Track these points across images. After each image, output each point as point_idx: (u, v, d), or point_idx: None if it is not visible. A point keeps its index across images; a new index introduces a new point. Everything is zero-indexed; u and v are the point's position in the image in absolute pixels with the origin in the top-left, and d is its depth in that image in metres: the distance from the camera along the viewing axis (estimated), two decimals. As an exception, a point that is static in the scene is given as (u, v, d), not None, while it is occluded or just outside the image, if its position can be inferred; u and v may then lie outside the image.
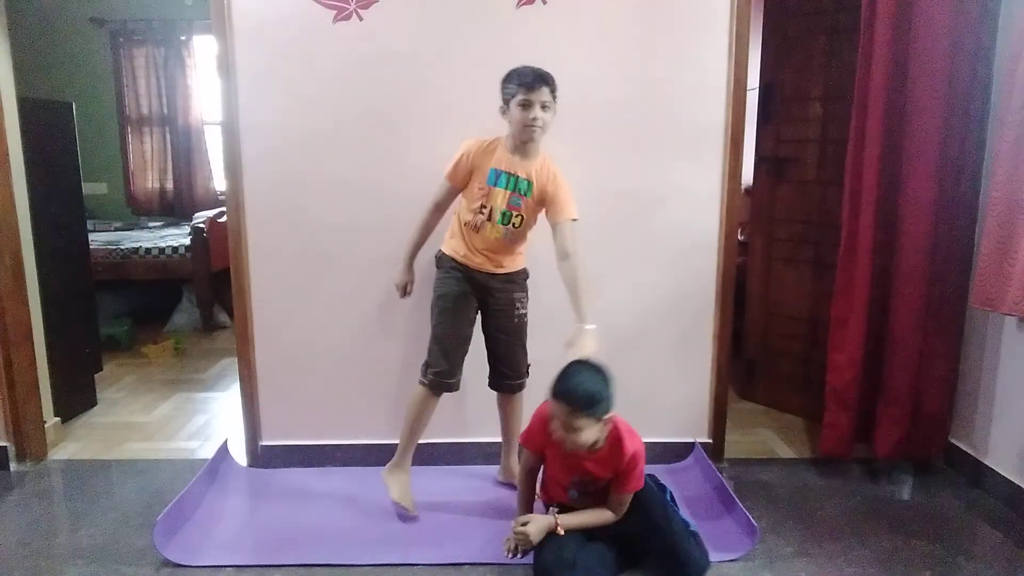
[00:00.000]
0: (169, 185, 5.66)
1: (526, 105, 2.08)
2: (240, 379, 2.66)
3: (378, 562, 2.07)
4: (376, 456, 2.68)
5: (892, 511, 2.36)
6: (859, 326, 2.49)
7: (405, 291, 2.40)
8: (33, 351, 2.74)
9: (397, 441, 2.56)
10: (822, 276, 2.95)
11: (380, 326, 2.62)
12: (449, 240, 2.31)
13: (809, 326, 3.08)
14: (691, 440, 2.70)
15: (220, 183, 5.54)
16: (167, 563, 2.05)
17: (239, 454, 2.72)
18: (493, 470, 2.64)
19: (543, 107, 2.10)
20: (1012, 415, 2.38)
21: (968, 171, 2.41)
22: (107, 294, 4.43)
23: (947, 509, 2.37)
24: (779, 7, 3.07)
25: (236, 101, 2.46)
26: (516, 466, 2.40)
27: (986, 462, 2.48)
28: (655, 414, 2.70)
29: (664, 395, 2.70)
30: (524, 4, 2.43)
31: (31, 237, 2.76)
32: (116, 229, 5.27)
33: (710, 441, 2.72)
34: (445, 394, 2.31)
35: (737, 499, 2.26)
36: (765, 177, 3.20)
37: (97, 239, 4.55)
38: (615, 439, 1.94)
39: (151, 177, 5.66)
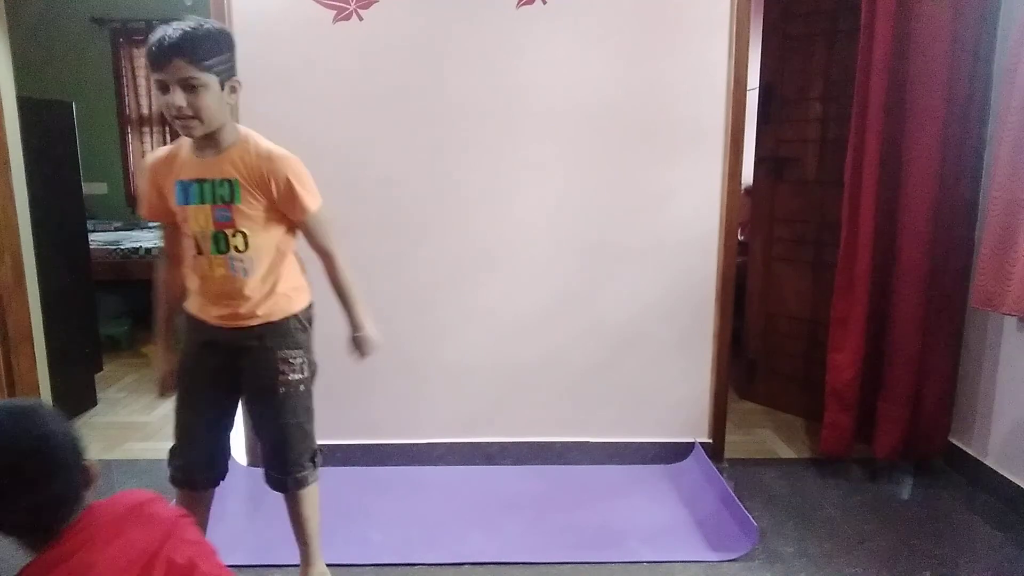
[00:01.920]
0: (169, 185, 5.66)
1: (161, 88, 1.47)
2: (240, 379, 2.66)
3: (378, 562, 2.08)
4: (375, 456, 2.68)
5: (892, 511, 2.36)
6: (859, 326, 2.48)
7: (165, 387, 1.77)
8: (33, 351, 2.74)
9: (395, 441, 2.58)
10: (822, 276, 2.94)
11: (379, 326, 2.62)
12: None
13: (809, 326, 3.08)
14: (691, 440, 2.70)
15: (220, 183, 5.52)
16: (167, 563, 2.05)
17: (239, 454, 2.72)
18: (493, 470, 2.64)
19: (189, 87, 1.45)
20: (1012, 415, 2.37)
21: (968, 171, 2.41)
22: (107, 294, 4.43)
23: (947, 509, 2.37)
24: (779, 7, 3.07)
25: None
26: None
27: (986, 462, 2.48)
28: (655, 414, 2.70)
29: (664, 395, 2.70)
30: (524, 4, 2.43)
31: (31, 237, 2.76)
32: (116, 229, 5.27)
33: (710, 441, 2.72)
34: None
35: (737, 499, 2.26)
36: (765, 177, 3.20)
37: (97, 239, 4.55)
38: None
39: (151, 177, 5.66)
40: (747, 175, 2.95)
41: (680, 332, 2.66)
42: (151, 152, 1.62)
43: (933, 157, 2.36)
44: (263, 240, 1.63)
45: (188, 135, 1.54)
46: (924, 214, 2.39)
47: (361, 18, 2.42)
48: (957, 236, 2.44)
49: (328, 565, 2.02)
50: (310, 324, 1.79)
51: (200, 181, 1.57)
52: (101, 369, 3.64)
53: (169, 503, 1.19)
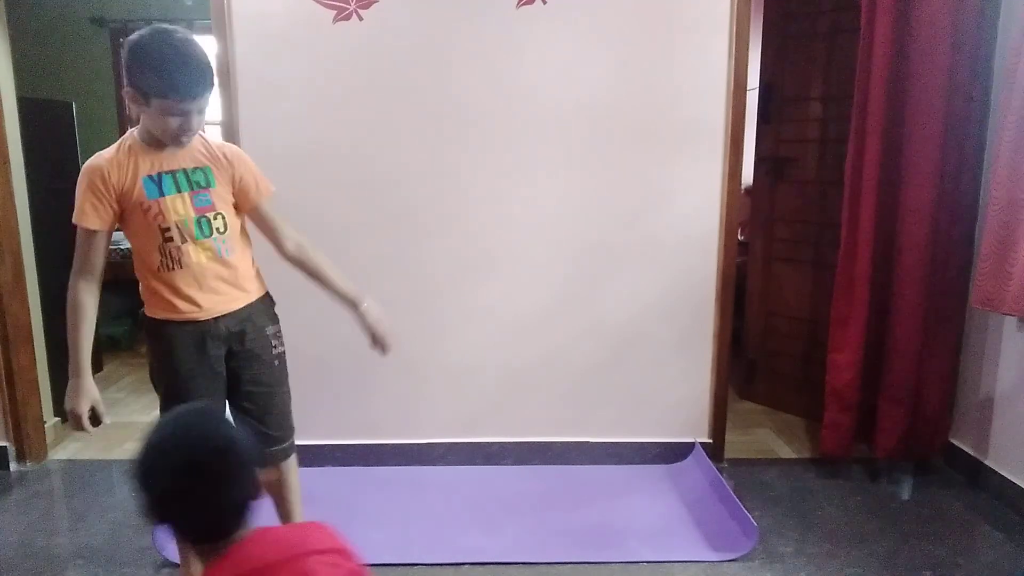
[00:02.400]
0: (169, 185, 5.66)
1: (179, 114, 1.54)
2: (240, 379, 2.66)
3: (377, 562, 2.07)
4: (375, 456, 2.68)
5: (892, 511, 2.36)
6: (859, 326, 2.48)
7: (92, 421, 1.65)
8: (33, 351, 2.74)
9: (395, 441, 2.57)
10: (822, 276, 2.94)
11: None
12: (149, 300, 1.71)
13: (809, 326, 3.08)
14: (691, 440, 2.70)
15: (220, 183, 5.52)
16: (167, 563, 2.05)
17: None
18: (493, 470, 2.64)
19: (199, 112, 1.58)
20: (1012, 415, 2.37)
21: (968, 171, 2.41)
22: (107, 294, 4.39)
23: (947, 509, 2.37)
24: (779, 7, 3.07)
25: (236, 101, 2.46)
26: None
27: (986, 462, 2.48)
28: (655, 414, 2.70)
29: (664, 395, 2.70)
30: (524, 4, 2.43)
31: (31, 237, 2.76)
32: (116, 229, 5.27)
33: (710, 441, 2.71)
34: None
35: (737, 499, 2.26)
36: (765, 177, 3.19)
37: (97, 239, 4.55)
38: None
39: (151, 177, 5.66)
40: (747, 175, 2.95)
41: (680, 332, 2.66)
42: (93, 160, 1.66)
43: (933, 157, 2.36)
44: (234, 222, 1.72)
45: (180, 145, 1.62)
46: (924, 214, 2.39)
47: (361, 18, 2.42)
48: (957, 236, 2.44)
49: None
50: (274, 305, 1.89)
51: (172, 172, 1.63)
52: (101, 369, 3.64)
53: (351, 558, 1.12)
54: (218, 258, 1.67)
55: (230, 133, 2.47)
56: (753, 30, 2.49)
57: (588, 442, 2.71)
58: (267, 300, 1.84)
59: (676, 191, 2.56)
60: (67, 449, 2.87)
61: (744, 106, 2.50)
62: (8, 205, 2.60)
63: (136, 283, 1.76)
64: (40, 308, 2.81)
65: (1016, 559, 2.09)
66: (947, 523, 2.29)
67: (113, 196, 1.62)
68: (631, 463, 2.69)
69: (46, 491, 2.54)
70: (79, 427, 1.64)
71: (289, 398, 1.88)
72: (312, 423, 2.72)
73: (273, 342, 1.81)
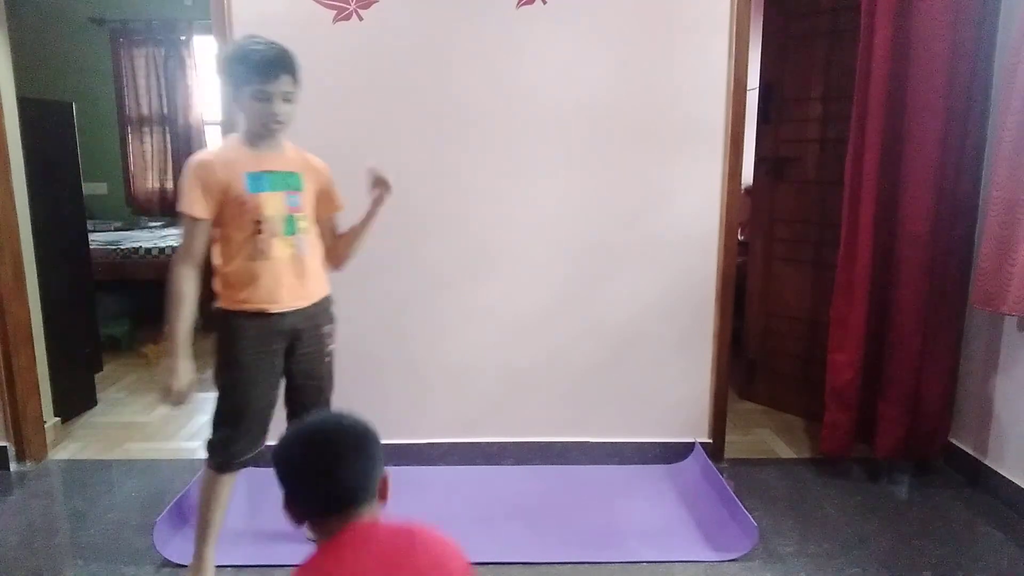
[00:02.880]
0: (169, 185, 5.66)
1: (263, 98, 1.71)
2: (240, 379, 2.66)
3: (378, 562, 2.07)
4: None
5: (892, 511, 2.36)
6: (859, 326, 2.48)
7: (186, 397, 1.77)
8: (33, 351, 2.74)
9: (395, 441, 2.56)
10: (822, 276, 2.94)
11: (379, 325, 2.62)
12: (224, 292, 1.81)
13: (809, 326, 3.08)
14: (691, 440, 2.70)
15: (220, 183, 5.52)
16: (167, 563, 2.05)
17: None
18: (493, 470, 2.64)
19: (285, 99, 1.74)
20: (1012, 415, 2.37)
21: (968, 171, 2.41)
22: (107, 294, 4.43)
23: (947, 509, 2.37)
24: (779, 7, 3.07)
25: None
26: None
27: (986, 462, 2.48)
28: (655, 414, 2.70)
29: (664, 395, 2.70)
30: (524, 4, 2.43)
31: (31, 237, 2.76)
32: (116, 229, 5.27)
33: (710, 441, 2.72)
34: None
35: (737, 499, 2.26)
36: (765, 177, 3.20)
37: (97, 239, 4.55)
38: None
39: (151, 177, 5.66)
40: (747, 175, 2.95)
41: (680, 332, 2.66)
42: (199, 155, 1.78)
43: (933, 157, 2.36)
44: (313, 225, 1.89)
45: (271, 135, 1.78)
46: (924, 214, 2.39)
47: (361, 18, 2.42)
48: (957, 236, 2.44)
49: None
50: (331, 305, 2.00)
51: (271, 172, 1.78)
52: (101, 369, 3.64)
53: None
54: (298, 256, 1.81)
55: (230, 133, 2.47)
56: (753, 30, 2.49)
57: (588, 442, 2.71)
58: (328, 301, 1.96)
59: (676, 191, 2.56)
60: (67, 449, 2.87)
61: (744, 106, 2.50)
62: (8, 205, 2.60)
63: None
64: (40, 308, 2.81)
65: (1016, 559, 2.09)
66: (947, 523, 2.29)
67: (218, 188, 1.74)
68: (631, 463, 2.69)
69: (46, 491, 2.54)
70: (168, 402, 1.77)
71: (332, 394, 2.03)
72: (312, 423, 2.72)
73: (326, 340, 1.95)
